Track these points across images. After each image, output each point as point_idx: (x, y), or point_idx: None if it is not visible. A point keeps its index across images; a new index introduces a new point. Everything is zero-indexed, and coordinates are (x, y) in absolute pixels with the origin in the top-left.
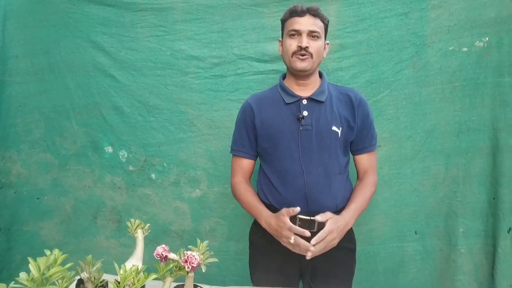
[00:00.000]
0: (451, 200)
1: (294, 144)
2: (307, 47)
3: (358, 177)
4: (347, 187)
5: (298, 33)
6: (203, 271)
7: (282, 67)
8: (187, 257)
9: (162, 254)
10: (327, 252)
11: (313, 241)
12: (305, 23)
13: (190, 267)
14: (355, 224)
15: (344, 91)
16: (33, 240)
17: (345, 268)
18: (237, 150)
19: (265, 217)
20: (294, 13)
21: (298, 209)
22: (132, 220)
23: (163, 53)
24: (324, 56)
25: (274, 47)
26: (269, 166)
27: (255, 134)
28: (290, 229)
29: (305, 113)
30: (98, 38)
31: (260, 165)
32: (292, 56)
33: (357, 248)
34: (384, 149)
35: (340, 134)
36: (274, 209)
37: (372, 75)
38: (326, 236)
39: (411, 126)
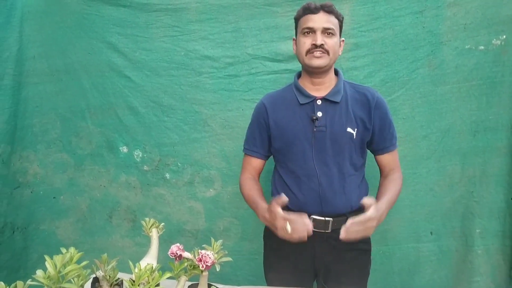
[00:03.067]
0: (467, 200)
1: (307, 145)
2: (322, 44)
3: (382, 175)
4: (362, 188)
5: (312, 30)
6: (217, 270)
7: (296, 66)
8: (202, 256)
9: (176, 253)
10: (341, 253)
11: (349, 220)
12: (319, 20)
13: (205, 266)
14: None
15: (361, 90)
16: (50, 239)
17: (359, 269)
18: (248, 149)
19: (261, 211)
20: (308, 10)
21: (286, 198)
22: (147, 219)
23: (177, 53)
24: (340, 53)
25: (288, 47)
26: (282, 167)
27: (268, 134)
28: (283, 218)
29: (319, 114)
30: (113, 39)
31: (275, 165)
32: (306, 54)
33: (372, 249)
34: (399, 148)
35: (355, 135)
36: (288, 210)
37: (386, 74)
38: (367, 221)
39: (426, 126)
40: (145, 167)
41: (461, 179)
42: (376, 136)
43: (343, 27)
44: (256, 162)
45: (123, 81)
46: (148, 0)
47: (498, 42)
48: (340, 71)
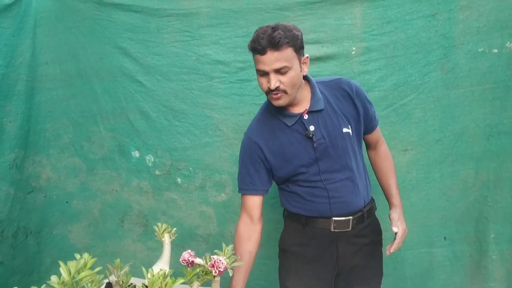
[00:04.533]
0: (481, 205)
1: (312, 162)
2: (278, 87)
3: (370, 148)
4: (366, 175)
5: (265, 72)
6: (230, 275)
7: (309, 71)
8: (214, 262)
9: (188, 260)
10: (361, 248)
11: (392, 249)
12: (268, 61)
13: (217, 271)
14: (382, 230)
15: (335, 85)
16: (62, 243)
17: (377, 260)
18: (247, 189)
19: None
20: (255, 50)
21: None
22: (159, 224)
23: (188, 58)
24: (305, 73)
25: None
26: (288, 186)
27: (266, 169)
28: None
29: (311, 128)
30: (125, 44)
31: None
32: (267, 95)
33: (384, 254)
34: (412, 152)
35: (352, 132)
36: (301, 216)
37: (399, 78)
38: (403, 236)
39: (439, 130)
40: (157, 172)
41: (475, 183)
42: (363, 120)
43: (355, 31)
44: (257, 200)
45: (134, 86)
46: (159, 6)
47: None
48: (310, 77)
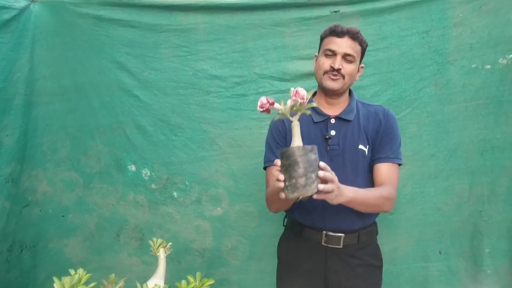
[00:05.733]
0: (476, 219)
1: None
2: (339, 69)
3: (375, 184)
4: None
5: (333, 53)
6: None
7: (304, 85)
8: (296, 91)
9: (268, 101)
10: (353, 268)
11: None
12: (342, 44)
13: (301, 98)
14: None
15: (373, 109)
16: (58, 257)
17: (371, 285)
18: (269, 161)
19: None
20: (334, 32)
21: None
22: (155, 239)
23: (185, 73)
24: (357, 79)
25: (295, 66)
26: None
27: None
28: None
29: (332, 132)
30: (123, 59)
31: None
32: (324, 74)
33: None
34: (406, 167)
35: (367, 152)
36: (300, 225)
37: (393, 93)
38: (333, 177)
39: (434, 145)
40: (153, 186)
41: (470, 198)
42: (378, 144)
43: None
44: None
45: (131, 100)
46: (157, 21)
47: (505, 61)
48: (353, 92)
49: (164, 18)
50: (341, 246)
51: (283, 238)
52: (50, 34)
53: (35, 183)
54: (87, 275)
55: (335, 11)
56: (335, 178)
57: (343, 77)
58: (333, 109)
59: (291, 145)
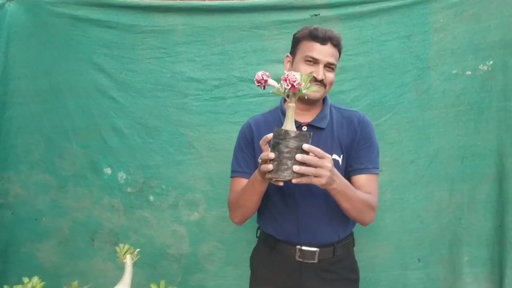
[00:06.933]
0: (455, 227)
1: None
2: (322, 79)
3: None
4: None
5: (315, 61)
6: (305, 98)
7: None
8: (287, 76)
9: (262, 77)
10: (329, 283)
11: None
12: (325, 52)
13: (290, 84)
14: (356, 251)
15: (348, 115)
16: (30, 261)
17: None
18: (236, 171)
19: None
20: (316, 38)
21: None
22: (121, 245)
23: (163, 75)
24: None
25: (274, 70)
26: (265, 196)
27: (253, 154)
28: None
29: None
30: (100, 60)
31: None
32: None
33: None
34: (386, 173)
35: (341, 162)
36: (273, 239)
37: (373, 98)
38: (322, 155)
39: (414, 151)
40: (129, 189)
41: (449, 205)
42: (354, 154)
43: None
44: (242, 182)
45: (108, 102)
46: (134, 22)
47: (485, 67)
48: (328, 97)
49: (142, 19)
50: (316, 261)
51: (256, 250)
52: (26, 33)
53: (7, 185)
54: (41, 284)
55: (315, 15)
56: (326, 155)
57: (325, 86)
58: (305, 116)
59: (282, 126)
